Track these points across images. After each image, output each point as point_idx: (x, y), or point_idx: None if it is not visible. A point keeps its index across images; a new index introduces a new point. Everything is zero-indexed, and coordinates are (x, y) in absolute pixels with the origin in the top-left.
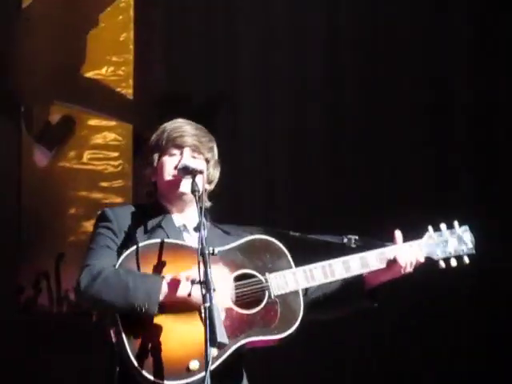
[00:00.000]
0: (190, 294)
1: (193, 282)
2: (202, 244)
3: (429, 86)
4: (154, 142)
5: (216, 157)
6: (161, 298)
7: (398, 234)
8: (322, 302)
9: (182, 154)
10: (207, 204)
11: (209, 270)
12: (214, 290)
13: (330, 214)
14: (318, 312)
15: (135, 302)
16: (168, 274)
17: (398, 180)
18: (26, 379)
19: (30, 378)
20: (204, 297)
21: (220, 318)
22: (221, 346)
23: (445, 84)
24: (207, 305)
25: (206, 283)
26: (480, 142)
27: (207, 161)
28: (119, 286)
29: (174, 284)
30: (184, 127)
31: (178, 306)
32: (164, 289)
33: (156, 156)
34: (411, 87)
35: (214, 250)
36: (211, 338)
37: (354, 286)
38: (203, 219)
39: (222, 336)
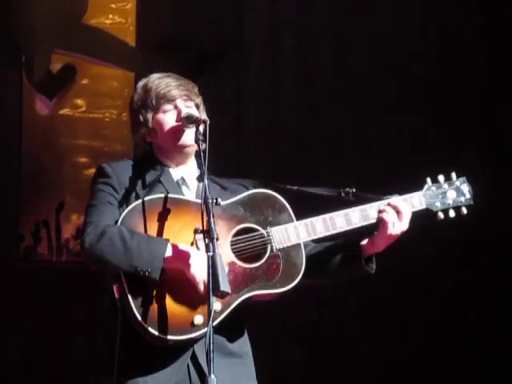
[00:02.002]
0: (191, 266)
1: (196, 232)
2: (205, 193)
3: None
4: (141, 102)
5: (201, 100)
6: (164, 265)
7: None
8: (318, 264)
9: (176, 107)
10: (202, 147)
11: (212, 219)
12: (217, 238)
13: (329, 167)
14: (315, 275)
15: (138, 265)
16: (172, 234)
17: (396, 135)
18: (24, 327)
19: (29, 326)
20: (207, 246)
21: (223, 267)
22: (223, 295)
23: None
24: (210, 254)
25: (209, 232)
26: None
27: (197, 106)
28: (123, 248)
29: (179, 253)
30: (167, 80)
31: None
32: (168, 254)
33: (149, 116)
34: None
35: (217, 200)
36: (214, 287)
37: (351, 250)
38: (206, 169)
39: (224, 285)
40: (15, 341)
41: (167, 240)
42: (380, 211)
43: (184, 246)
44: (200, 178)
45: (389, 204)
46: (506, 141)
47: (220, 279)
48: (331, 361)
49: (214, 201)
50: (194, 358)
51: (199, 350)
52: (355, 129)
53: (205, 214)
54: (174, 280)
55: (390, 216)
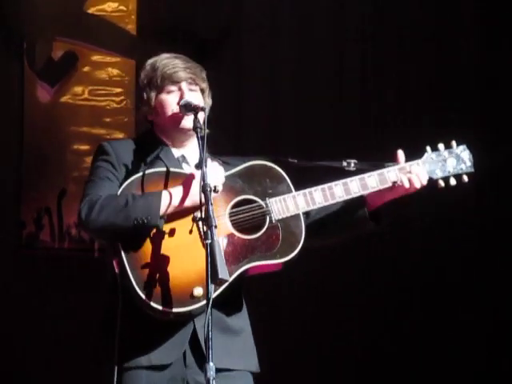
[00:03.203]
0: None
1: (194, 219)
2: (203, 180)
3: None
4: (147, 80)
5: (208, 85)
6: (163, 208)
7: (400, 153)
8: (323, 225)
9: (180, 89)
10: (206, 131)
11: (210, 207)
12: (216, 226)
13: (330, 139)
14: (320, 236)
15: (136, 215)
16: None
17: (396, 102)
18: (27, 314)
19: (31, 312)
20: (205, 233)
21: (222, 254)
22: (222, 283)
23: None
24: (208, 241)
25: (207, 220)
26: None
27: (203, 91)
28: (118, 205)
29: (177, 195)
30: (175, 61)
31: (181, 234)
32: (166, 199)
33: (153, 95)
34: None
35: (215, 187)
36: (212, 275)
37: (355, 207)
38: (204, 155)
39: (223, 272)
40: (17, 327)
41: (161, 190)
42: (400, 173)
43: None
44: (199, 166)
45: (408, 169)
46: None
47: (219, 267)
48: (329, 337)
49: (213, 188)
50: (194, 336)
51: (199, 327)
52: (355, 112)
53: (203, 201)
54: (172, 251)
55: (407, 180)
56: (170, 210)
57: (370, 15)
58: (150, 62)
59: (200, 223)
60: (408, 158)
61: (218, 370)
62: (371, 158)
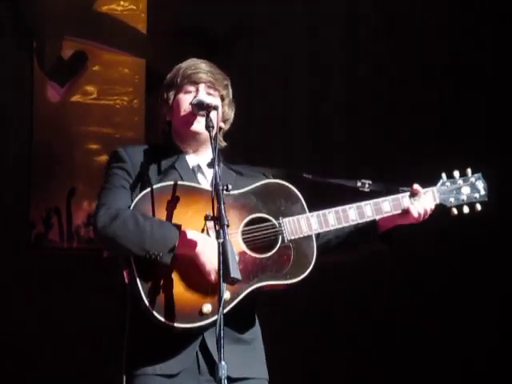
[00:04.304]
0: (202, 254)
1: (206, 219)
2: (215, 180)
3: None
4: (169, 80)
5: (231, 96)
6: (175, 250)
7: (416, 186)
8: (334, 244)
9: (197, 90)
10: (222, 144)
11: (222, 206)
12: (228, 225)
13: (343, 139)
14: (331, 254)
15: (150, 249)
16: (183, 221)
17: (411, 129)
18: (36, 314)
19: (40, 312)
20: (217, 233)
21: (234, 253)
22: (234, 282)
23: None
24: (220, 240)
25: (219, 219)
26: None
27: (222, 98)
28: (136, 231)
29: (190, 239)
30: (199, 64)
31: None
32: (180, 240)
33: (172, 94)
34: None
35: (227, 186)
36: (224, 274)
37: (367, 228)
38: (217, 155)
39: (235, 271)
40: (27, 327)
41: (180, 226)
42: (411, 203)
43: (195, 232)
44: (211, 165)
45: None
46: None
47: (231, 266)
48: (339, 348)
49: (225, 187)
50: (203, 346)
51: (209, 337)
52: (367, 114)
53: (215, 200)
54: (184, 267)
55: (417, 212)
56: (183, 251)
57: (383, 15)
58: (178, 64)
59: (212, 226)
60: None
61: (234, 380)
62: (383, 158)
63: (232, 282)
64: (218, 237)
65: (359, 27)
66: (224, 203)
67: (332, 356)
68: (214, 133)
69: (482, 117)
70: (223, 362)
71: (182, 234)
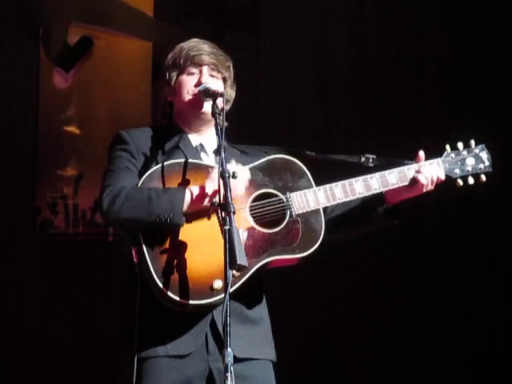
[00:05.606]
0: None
1: (212, 205)
2: (221, 166)
3: None
4: (171, 60)
5: (232, 76)
6: (185, 206)
7: (421, 153)
8: (342, 220)
9: (200, 72)
10: (225, 124)
11: (229, 193)
12: (234, 212)
13: (350, 125)
14: (339, 231)
15: (159, 212)
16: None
17: (415, 102)
18: (41, 299)
19: (46, 298)
20: (223, 219)
21: (240, 240)
22: (240, 269)
23: None
24: (227, 227)
25: (225, 206)
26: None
27: (225, 80)
28: (141, 199)
29: (199, 192)
30: (201, 45)
31: (202, 225)
32: (188, 197)
33: (174, 75)
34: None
35: (234, 173)
36: (231, 260)
37: (374, 203)
38: (223, 142)
39: (241, 258)
40: (32, 313)
41: (184, 186)
42: (418, 171)
43: (200, 187)
44: (217, 152)
45: (425, 168)
46: None
47: (237, 252)
48: (345, 327)
49: (231, 174)
50: (212, 326)
51: (218, 316)
52: (373, 98)
53: (222, 188)
54: (193, 243)
55: (425, 179)
56: (193, 208)
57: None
58: (180, 44)
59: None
60: (427, 156)
61: (239, 360)
62: (389, 143)
63: (238, 268)
64: (224, 223)
65: (368, 12)
66: (230, 190)
67: (339, 339)
68: (220, 119)
69: (488, 92)
70: (229, 349)
71: (189, 192)
